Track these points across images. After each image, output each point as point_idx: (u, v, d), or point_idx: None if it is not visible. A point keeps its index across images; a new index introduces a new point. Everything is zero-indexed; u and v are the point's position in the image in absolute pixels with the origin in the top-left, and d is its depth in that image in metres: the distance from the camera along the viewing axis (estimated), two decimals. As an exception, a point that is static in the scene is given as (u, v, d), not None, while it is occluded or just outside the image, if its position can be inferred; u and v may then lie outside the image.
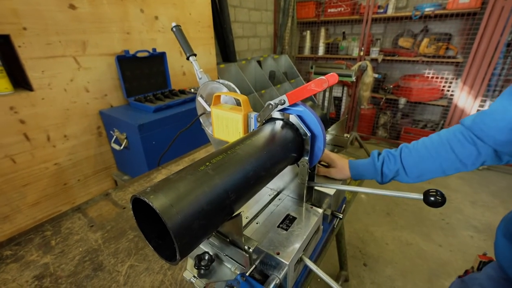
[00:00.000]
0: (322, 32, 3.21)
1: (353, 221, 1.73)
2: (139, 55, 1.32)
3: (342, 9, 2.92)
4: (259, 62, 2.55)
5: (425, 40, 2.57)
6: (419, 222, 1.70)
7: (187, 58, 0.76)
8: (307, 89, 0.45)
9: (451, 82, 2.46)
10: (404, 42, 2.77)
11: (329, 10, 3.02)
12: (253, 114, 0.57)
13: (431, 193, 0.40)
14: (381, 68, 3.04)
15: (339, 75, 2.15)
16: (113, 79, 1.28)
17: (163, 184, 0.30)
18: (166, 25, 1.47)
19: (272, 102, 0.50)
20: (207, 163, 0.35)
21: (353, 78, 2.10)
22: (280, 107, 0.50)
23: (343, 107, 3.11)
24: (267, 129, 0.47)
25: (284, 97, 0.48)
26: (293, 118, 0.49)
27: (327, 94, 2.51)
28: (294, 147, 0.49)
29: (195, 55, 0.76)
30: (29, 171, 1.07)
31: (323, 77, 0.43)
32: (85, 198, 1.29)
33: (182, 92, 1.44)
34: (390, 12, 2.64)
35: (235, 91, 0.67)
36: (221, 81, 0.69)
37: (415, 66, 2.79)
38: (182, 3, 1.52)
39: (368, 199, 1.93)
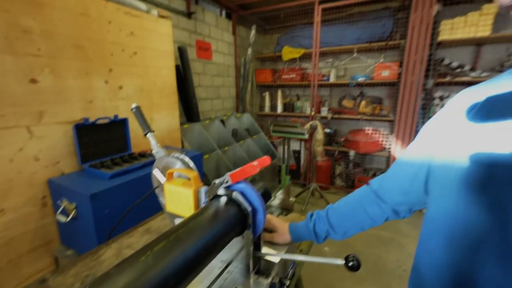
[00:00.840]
0: (279, 93, 3.64)
1: (318, 277, 1.71)
2: (99, 122, 1.35)
3: (294, 76, 3.42)
4: (222, 121, 2.73)
5: (363, 102, 3.07)
6: (379, 272, 1.76)
7: (145, 135, 0.82)
8: (245, 171, 0.54)
9: (387, 137, 2.89)
10: (347, 103, 3.26)
11: (283, 76, 3.51)
12: (203, 189, 0.63)
13: (349, 259, 0.47)
14: (332, 123, 3.46)
15: (294, 133, 2.40)
16: (68, 145, 1.26)
17: (102, 280, 0.33)
18: (130, 94, 1.56)
19: (217, 181, 0.57)
20: (148, 252, 0.38)
21: (306, 136, 2.35)
22: (224, 185, 0.57)
23: (302, 159, 3.34)
24: (212, 208, 0.53)
25: (227, 177, 0.56)
26: (236, 195, 0.56)
27: (286, 148, 2.72)
28: (237, 222, 0.54)
29: (152, 131, 0.83)
30: None
31: (255, 162, 0.52)
32: (14, 282, 1.10)
33: (142, 155, 1.46)
34: (332, 79, 3.16)
35: (189, 165, 0.73)
36: (176, 155, 0.76)
37: (359, 122, 3.24)
38: (147, 75, 1.67)
39: (331, 252, 1.96)
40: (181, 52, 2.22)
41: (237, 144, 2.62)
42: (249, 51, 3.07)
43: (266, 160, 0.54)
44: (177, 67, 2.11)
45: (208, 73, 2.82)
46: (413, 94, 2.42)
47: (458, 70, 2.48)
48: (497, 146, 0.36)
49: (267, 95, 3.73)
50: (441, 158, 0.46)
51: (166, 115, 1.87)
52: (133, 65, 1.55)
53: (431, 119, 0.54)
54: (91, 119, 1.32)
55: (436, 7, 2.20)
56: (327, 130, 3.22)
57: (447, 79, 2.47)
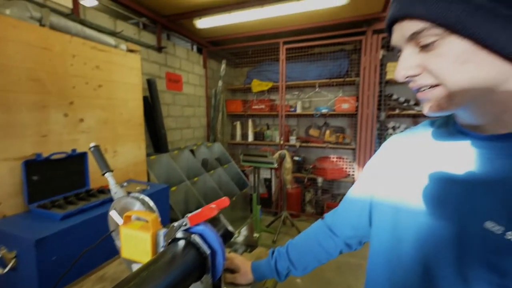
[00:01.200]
0: (250, 123, 3.75)
1: (291, 312, 1.65)
2: (54, 157, 1.26)
3: (263, 106, 3.58)
4: (192, 151, 2.70)
5: (328, 131, 3.29)
6: (351, 301, 1.76)
7: (103, 175, 0.79)
8: (203, 214, 0.54)
9: (351, 164, 3.08)
10: (313, 132, 3.46)
11: (253, 107, 3.66)
12: (162, 232, 0.61)
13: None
14: (300, 151, 3.61)
15: (264, 162, 2.45)
16: (14, 184, 1.14)
17: None
18: (93, 126, 1.50)
19: (175, 224, 0.56)
20: (92, 313, 0.36)
21: (275, 165, 2.41)
22: (183, 227, 0.56)
23: (273, 187, 3.38)
24: (168, 254, 0.52)
25: (186, 219, 0.56)
26: (194, 237, 0.56)
27: (256, 177, 2.75)
28: (196, 266, 0.53)
29: (111, 171, 0.80)
30: None
31: (213, 205, 0.53)
32: None
33: (101, 191, 1.37)
34: (299, 110, 3.37)
35: (149, 205, 0.71)
36: (135, 195, 0.74)
37: (325, 150, 3.43)
38: (113, 107, 1.63)
39: (303, 283, 1.93)
40: (150, 84, 2.23)
41: (208, 174, 2.58)
42: (220, 83, 3.19)
43: (224, 202, 0.55)
44: (145, 98, 2.11)
45: (178, 104, 2.84)
46: (369, 125, 2.67)
47: (405, 104, 2.83)
48: (428, 172, 0.42)
49: (238, 124, 3.82)
50: (379, 195, 0.52)
51: (131, 147, 1.81)
52: (96, 98, 1.51)
53: (370, 159, 0.61)
54: (45, 154, 1.23)
55: (381, 52, 2.55)
56: (296, 158, 3.35)
57: (397, 112, 2.79)
